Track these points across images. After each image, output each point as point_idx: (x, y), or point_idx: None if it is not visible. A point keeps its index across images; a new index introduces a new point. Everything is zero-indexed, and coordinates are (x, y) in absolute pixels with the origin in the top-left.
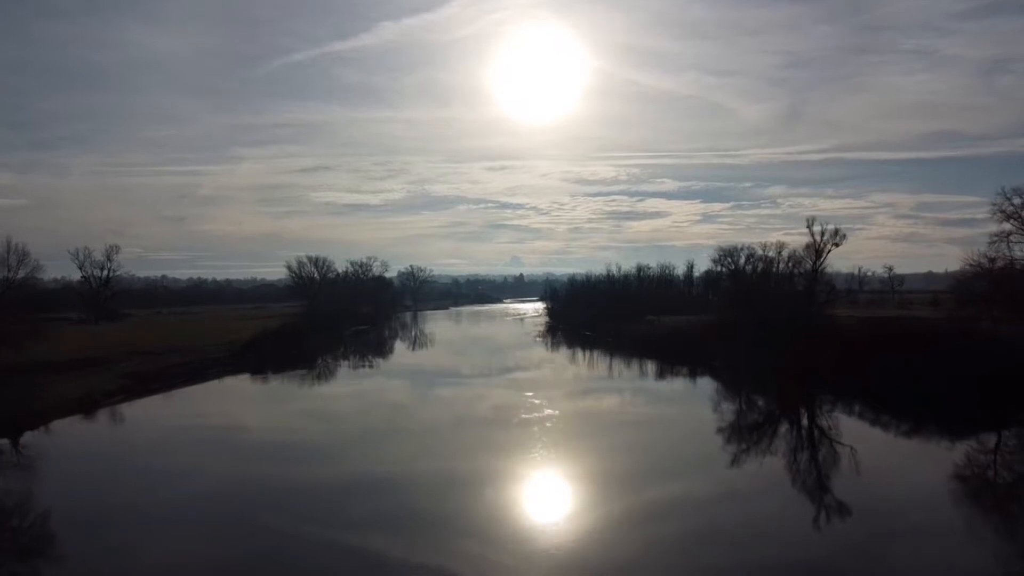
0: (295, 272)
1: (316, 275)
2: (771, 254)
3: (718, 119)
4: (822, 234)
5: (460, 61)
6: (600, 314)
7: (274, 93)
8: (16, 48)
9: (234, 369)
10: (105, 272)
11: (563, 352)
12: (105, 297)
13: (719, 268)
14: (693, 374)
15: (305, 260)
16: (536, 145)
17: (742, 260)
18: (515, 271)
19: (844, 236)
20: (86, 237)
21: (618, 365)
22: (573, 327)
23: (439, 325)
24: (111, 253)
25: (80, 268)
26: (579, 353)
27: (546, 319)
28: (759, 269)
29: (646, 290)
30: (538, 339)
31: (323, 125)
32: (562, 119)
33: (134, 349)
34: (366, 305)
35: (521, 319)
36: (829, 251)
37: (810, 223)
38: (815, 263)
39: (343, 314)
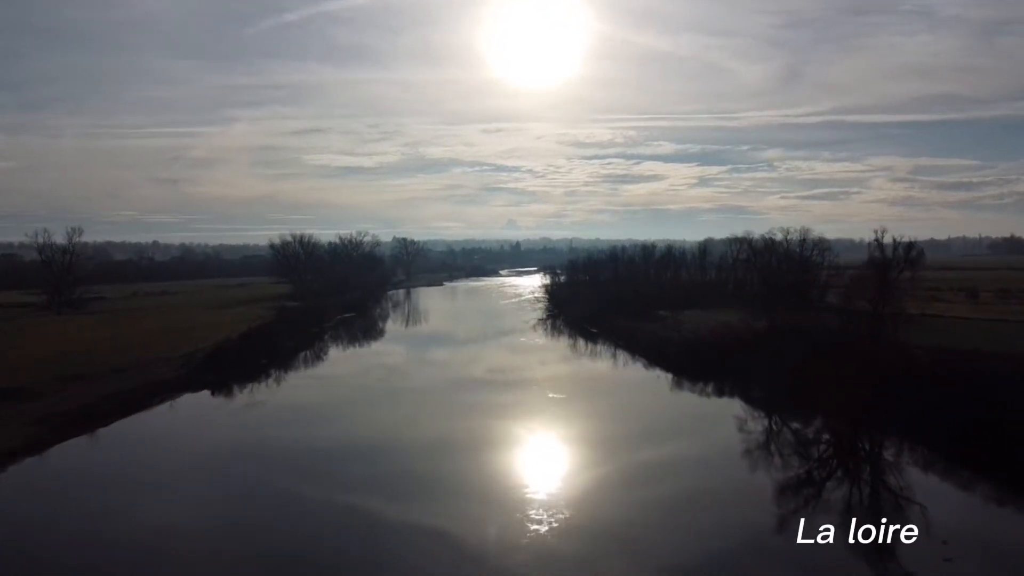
0: (278, 251)
1: (301, 254)
2: (793, 240)
3: (716, 80)
4: (893, 248)
5: (454, 21)
6: (606, 306)
7: (267, 53)
8: (5, 7)
9: (193, 386)
10: (68, 256)
11: (564, 364)
12: (68, 283)
13: (736, 254)
14: (727, 401)
15: (289, 238)
16: (531, 107)
17: (772, 260)
18: (511, 234)
19: (921, 253)
20: (79, 200)
21: (639, 392)
22: (575, 319)
23: (431, 307)
24: (73, 236)
25: (39, 252)
26: (585, 368)
27: (546, 303)
28: (785, 265)
29: (654, 274)
30: (535, 336)
31: (316, 86)
32: (557, 81)
33: (72, 371)
34: (355, 285)
35: (518, 299)
36: (901, 271)
37: (879, 235)
38: (882, 282)
39: (327, 303)
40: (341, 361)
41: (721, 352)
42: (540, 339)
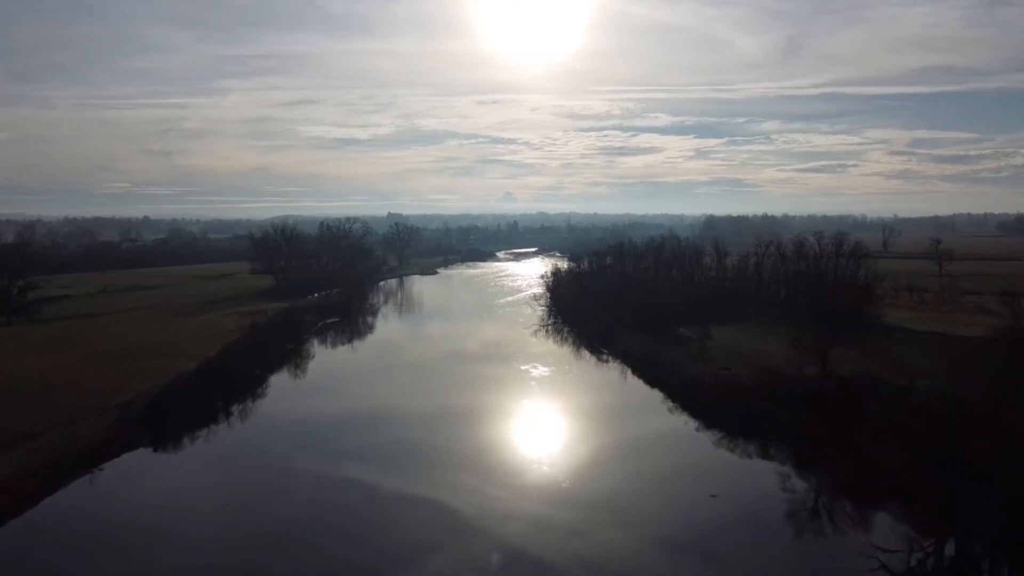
0: (259, 244)
1: (283, 246)
2: (827, 247)
3: (714, 52)
4: None
5: None
6: (615, 319)
7: (259, 23)
8: None
9: (124, 449)
10: (18, 257)
11: (574, 415)
12: (18, 289)
13: (762, 253)
14: (781, 473)
15: (270, 230)
16: (527, 79)
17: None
18: (508, 207)
19: None
20: (72, 172)
21: (681, 470)
22: (581, 333)
23: (422, 307)
24: (25, 234)
25: None
26: (601, 422)
27: (548, 307)
28: (832, 287)
29: (664, 271)
30: (538, 361)
31: (308, 57)
32: (553, 52)
33: None
34: (342, 278)
35: (517, 296)
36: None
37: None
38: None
39: (308, 304)
40: (311, 396)
41: (768, 408)
42: (543, 368)
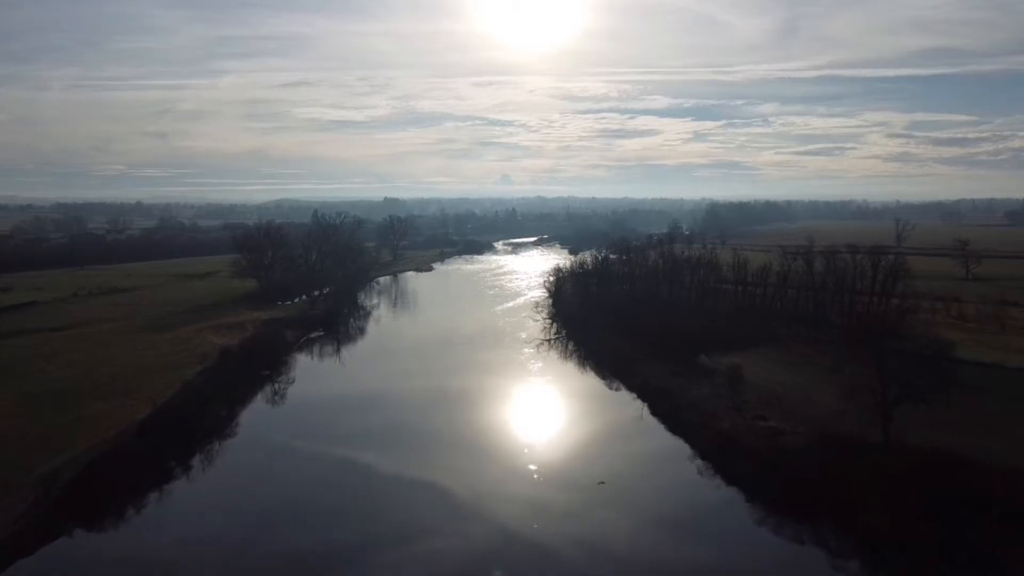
0: (242, 244)
1: (268, 245)
2: (864, 261)
3: (712, 34)
4: None
5: None
6: (627, 342)
7: (256, 3)
8: None
9: (39, 543)
10: None
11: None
12: None
13: (787, 263)
14: None
15: (254, 230)
16: (524, 60)
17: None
18: (505, 190)
19: None
20: (67, 154)
21: None
22: (588, 354)
23: (418, 311)
24: None
25: None
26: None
27: (550, 316)
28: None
29: (675, 277)
30: (541, 395)
31: (305, 38)
32: (551, 33)
33: None
34: (332, 278)
35: (518, 301)
36: None
37: None
38: None
39: (291, 315)
40: (285, 443)
41: (828, 491)
42: (548, 405)
